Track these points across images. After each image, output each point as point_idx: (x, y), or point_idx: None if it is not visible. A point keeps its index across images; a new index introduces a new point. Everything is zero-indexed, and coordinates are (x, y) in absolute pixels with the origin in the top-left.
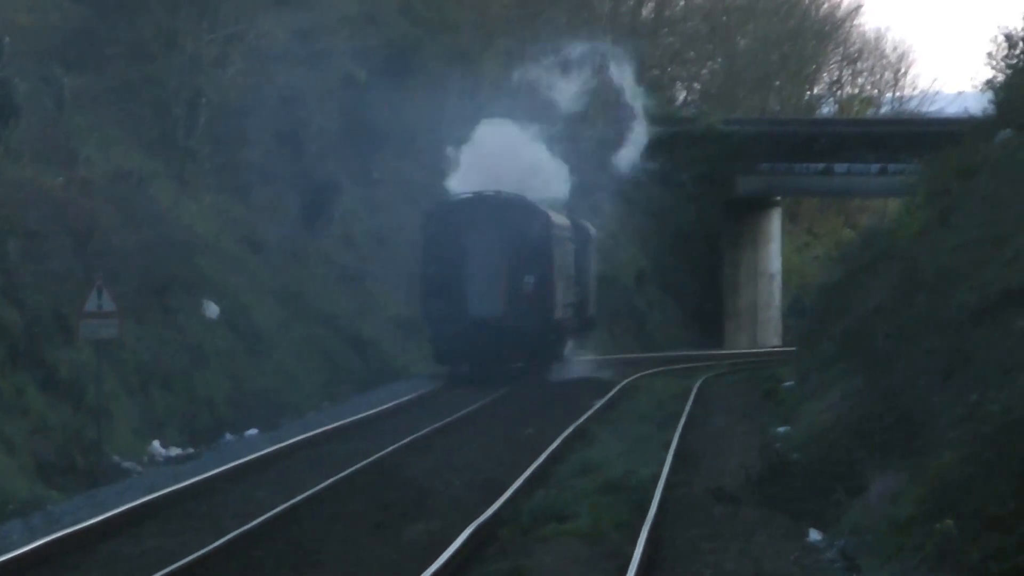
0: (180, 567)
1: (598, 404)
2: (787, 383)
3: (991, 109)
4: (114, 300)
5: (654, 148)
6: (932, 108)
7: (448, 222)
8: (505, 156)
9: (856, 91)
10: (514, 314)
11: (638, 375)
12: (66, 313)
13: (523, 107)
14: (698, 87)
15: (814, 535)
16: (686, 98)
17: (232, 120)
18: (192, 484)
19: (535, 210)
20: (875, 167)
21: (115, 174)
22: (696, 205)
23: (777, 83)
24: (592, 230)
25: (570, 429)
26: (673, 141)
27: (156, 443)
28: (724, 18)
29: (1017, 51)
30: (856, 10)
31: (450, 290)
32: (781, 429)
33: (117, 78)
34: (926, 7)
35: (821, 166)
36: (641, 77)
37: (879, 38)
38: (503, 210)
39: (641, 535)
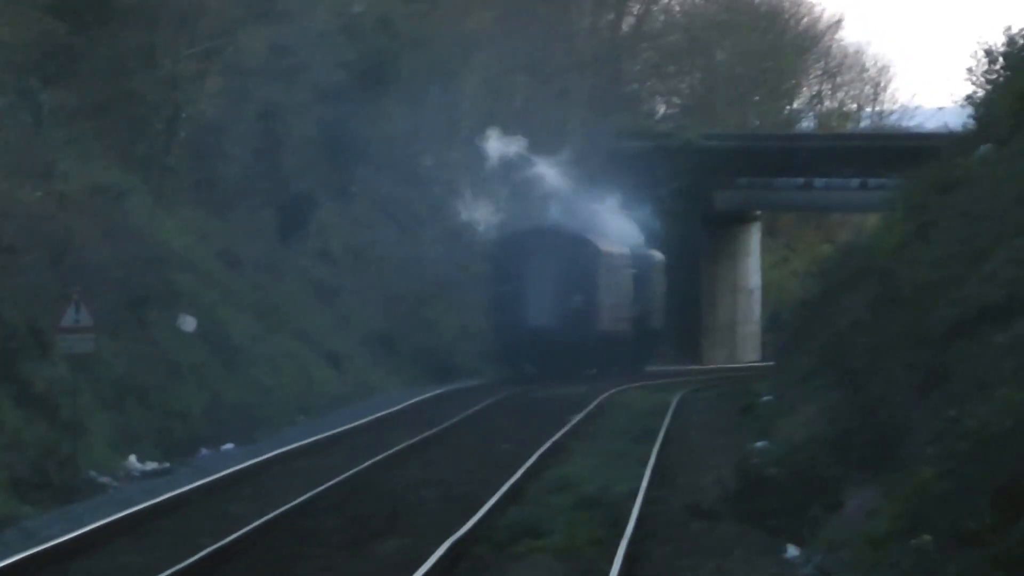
0: None
1: (575, 419)
2: (765, 398)
3: (971, 124)
4: (90, 314)
5: (633, 163)
6: (912, 123)
7: (514, 249)
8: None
9: (836, 105)
10: (564, 326)
11: (615, 390)
12: (41, 327)
13: None
14: (677, 101)
15: (791, 551)
16: (665, 112)
17: (210, 135)
18: (167, 499)
19: (585, 241)
20: (854, 182)
21: (92, 189)
22: (674, 220)
23: (756, 97)
24: (657, 257)
25: (547, 444)
26: (651, 155)
27: (132, 458)
28: (704, 32)
29: (997, 66)
30: (836, 24)
31: (514, 304)
32: (758, 444)
33: (95, 93)
34: (906, 22)
35: (800, 181)
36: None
37: (859, 52)
38: (558, 241)
39: (618, 552)
